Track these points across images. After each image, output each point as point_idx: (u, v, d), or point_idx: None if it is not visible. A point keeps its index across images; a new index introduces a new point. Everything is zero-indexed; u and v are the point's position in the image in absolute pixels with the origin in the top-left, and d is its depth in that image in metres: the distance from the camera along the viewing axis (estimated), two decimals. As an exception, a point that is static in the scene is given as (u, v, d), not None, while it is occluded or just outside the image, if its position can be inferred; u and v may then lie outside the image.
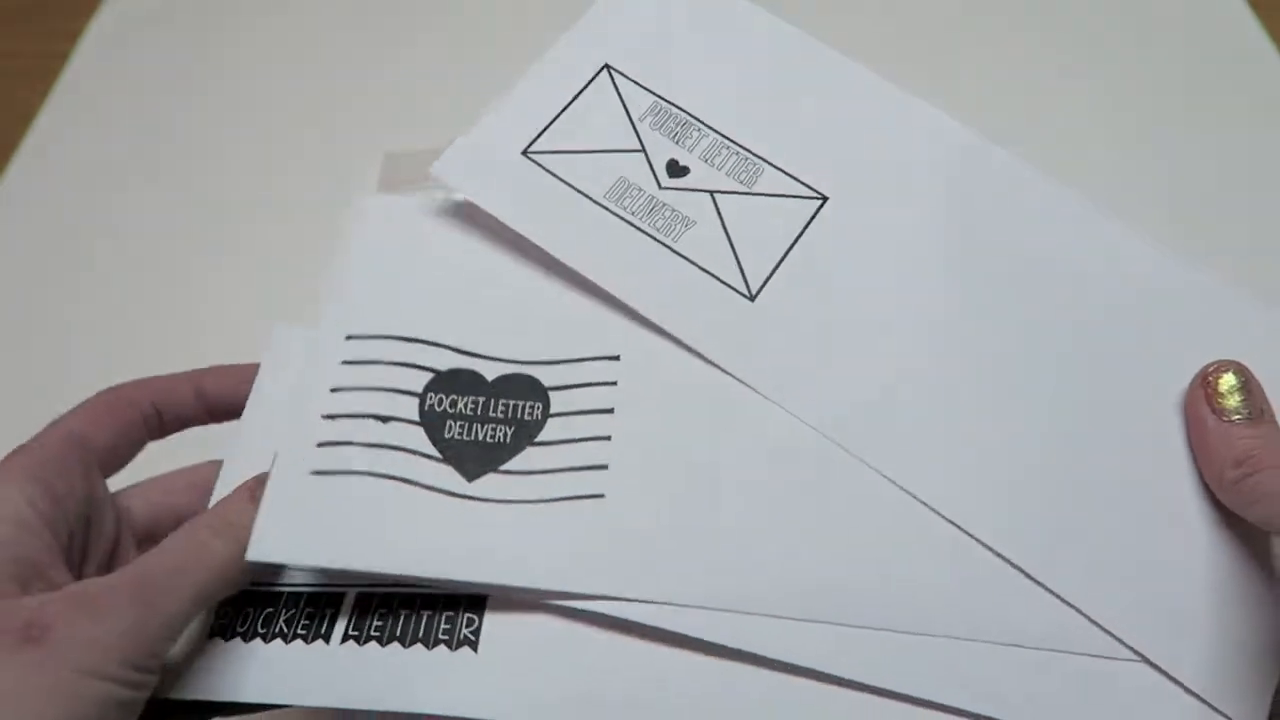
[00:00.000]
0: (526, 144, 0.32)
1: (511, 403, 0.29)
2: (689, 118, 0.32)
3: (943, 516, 0.28)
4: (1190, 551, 0.28)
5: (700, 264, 0.30)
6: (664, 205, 0.31)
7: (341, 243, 0.32)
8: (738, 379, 0.29)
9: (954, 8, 0.69)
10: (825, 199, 0.31)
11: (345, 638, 0.27)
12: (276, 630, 0.28)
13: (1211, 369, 0.29)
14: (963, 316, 0.30)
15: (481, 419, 0.28)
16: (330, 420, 0.28)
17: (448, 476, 0.27)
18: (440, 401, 0.29)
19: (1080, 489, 0.29)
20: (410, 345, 0.29)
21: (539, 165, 0.31)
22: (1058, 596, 0.27)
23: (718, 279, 0.30)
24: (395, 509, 0.27)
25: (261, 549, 0.26)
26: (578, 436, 0.28)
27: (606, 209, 0.31)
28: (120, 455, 0.30)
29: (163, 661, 0.26)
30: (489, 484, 0.27)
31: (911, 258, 0.31)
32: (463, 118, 0.64)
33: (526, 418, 0.28)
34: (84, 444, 0.29)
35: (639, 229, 0.30)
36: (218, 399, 0.32)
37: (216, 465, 0.31)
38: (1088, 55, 0.66)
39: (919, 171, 0.32)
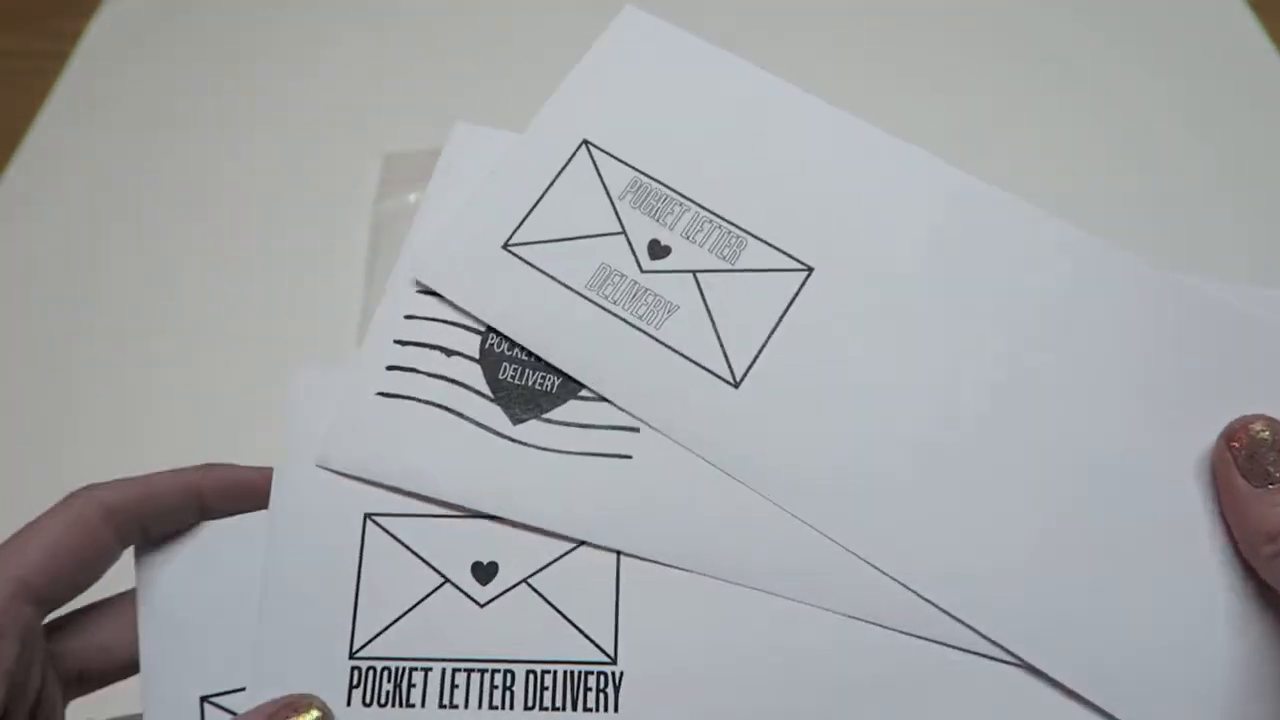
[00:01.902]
0: (506, 237, 0.31)
1: None
2: (669, 192, 0.31)
3: (938, 607, 0.27)
4: (1215, 625, 0.26)
5: (683, 352, 0.30)
6: (646, 291, 0.30)
7: (436, 174, 0.32)
8: (720, 469, 0.28)
9: (953, 7, 0.69)
10: (810, 270, 0.30)
11: None
12: None
13: (1237, 426, 0.26)
14: (959, 384, 0.29)
15: (534, 365, 0.30)
16: (401, 346, 0.30)
17: (496, 416, 0.29)
18: (499, 343, 0.30)
19: (1094, 570, 0.27)
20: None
21: (519, 258, 0.31)
22: (1069, 692, 0.26)
23: (701, 367, 0.29)
24: (447, 439, 0.29)
25: (329, 459, 0.29)
26: None
27: (588, 299, 0.30)
28: (80, 586, 0.27)
29: None
30: (531, 429, 0.29)
31: (904, 323, 0.30)
32: (463, 118, 0.63)
33: None
34: (30, 595, 0.25)
35: (620, 318, 0.30)
36: (218, 505, 0.28)
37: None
38: (1088, 56, 0.64)
39: (908, 225, 0.31)
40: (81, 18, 0.69)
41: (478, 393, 0.30)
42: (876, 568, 0.27)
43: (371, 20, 0.68)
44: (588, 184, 0.32)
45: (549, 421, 0.30)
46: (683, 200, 0.31)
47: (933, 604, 0.27)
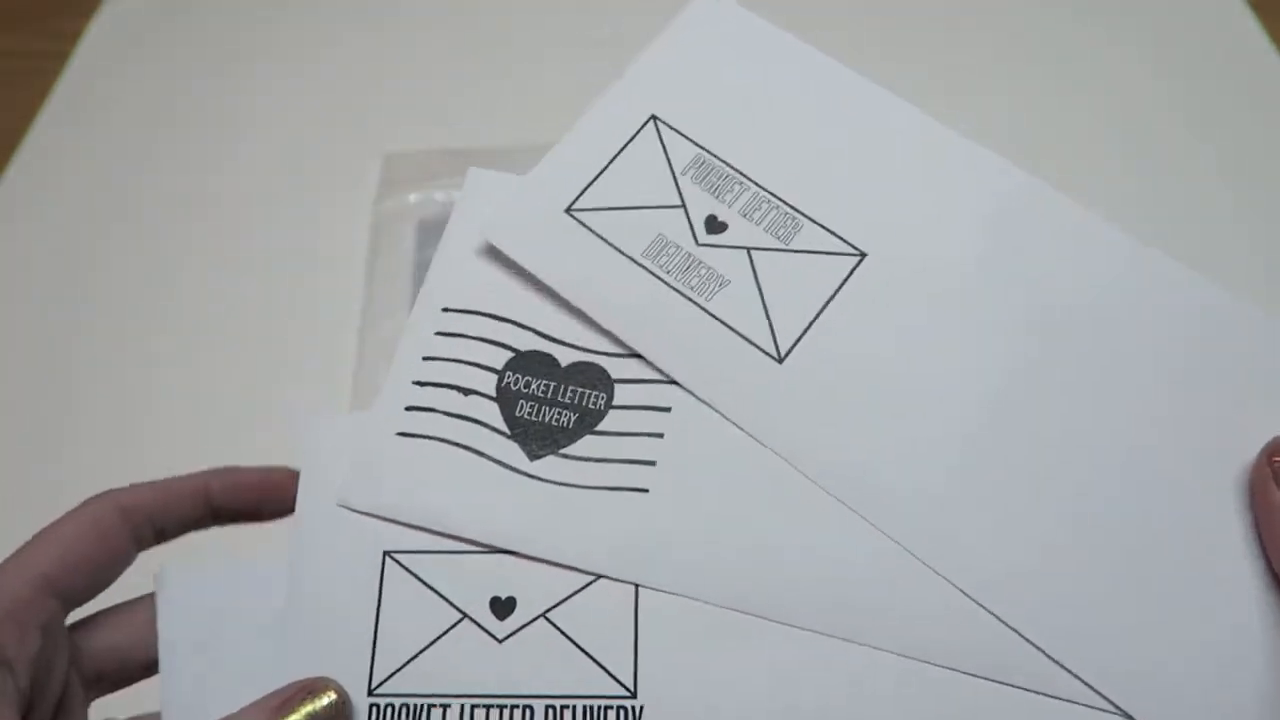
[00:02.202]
0: (570, 201, 0.32)
1: (579, 390, 0.30)
2: (730, 170, 0.32)
3: (976, 602, 0.27)
4: (1246, 641, 0.26)
5: (731, 325, 0.30)
6: (700, 263, 0.31)
7: (454, 215, 0.33)
8: (762, 443, 0.29)
9: (951, 7, 0.69)
10: (864, 255, 0.30)
11: None
12: None
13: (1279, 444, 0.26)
14: (1000, 382, 0.29)
15: (551, 402, 0.30)
16: (419, 387, 0.30)
17: (513, 453, 0.29)
18: (516, 381, 0.30)
19: (1123, 576, 0.27)
20: (497, 323, 0.31)
21: (580, 223, 0.31)
22: (1105, 699, 0.26)
23: (747, 340, 0.30)
24: (466, 477, 0.29)
25: (350, 499, 0.29)
26: (633, 431, 0.30)
27: (643, 267, 0.31)
28: (98, 586, 0.28)
29: None
30: (548, 465, 0.29)
31: (950, 316, 0.30)
32: (463, 118, 0.63)
33: (591, 406, 0.30)
34: (57, 591, 0.26)
35: (673, 288, 0.30)
36: (225, 504, 0.30)
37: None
38: (1087, 55, 0.64)
39: (963, 221, 0.31)
40: (81, 18, 0.69)
41: (495, 430, 0.30)
42: (901, 544, 0.27)
43: (371, 20, 0.68)
44: (652, 158, 0.32)
45: (566, 457, 0.30)
46: (743, 179, 0.32)
47: (961, 590, 0.27)
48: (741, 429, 0.29)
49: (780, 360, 0.29)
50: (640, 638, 0.28)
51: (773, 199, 0.31)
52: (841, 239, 0.31)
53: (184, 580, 0.29)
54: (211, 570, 0.29)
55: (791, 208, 0.31)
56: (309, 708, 0.26)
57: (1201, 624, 0.26)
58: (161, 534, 0.29)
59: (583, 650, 0.28)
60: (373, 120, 0.62)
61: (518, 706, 0.28)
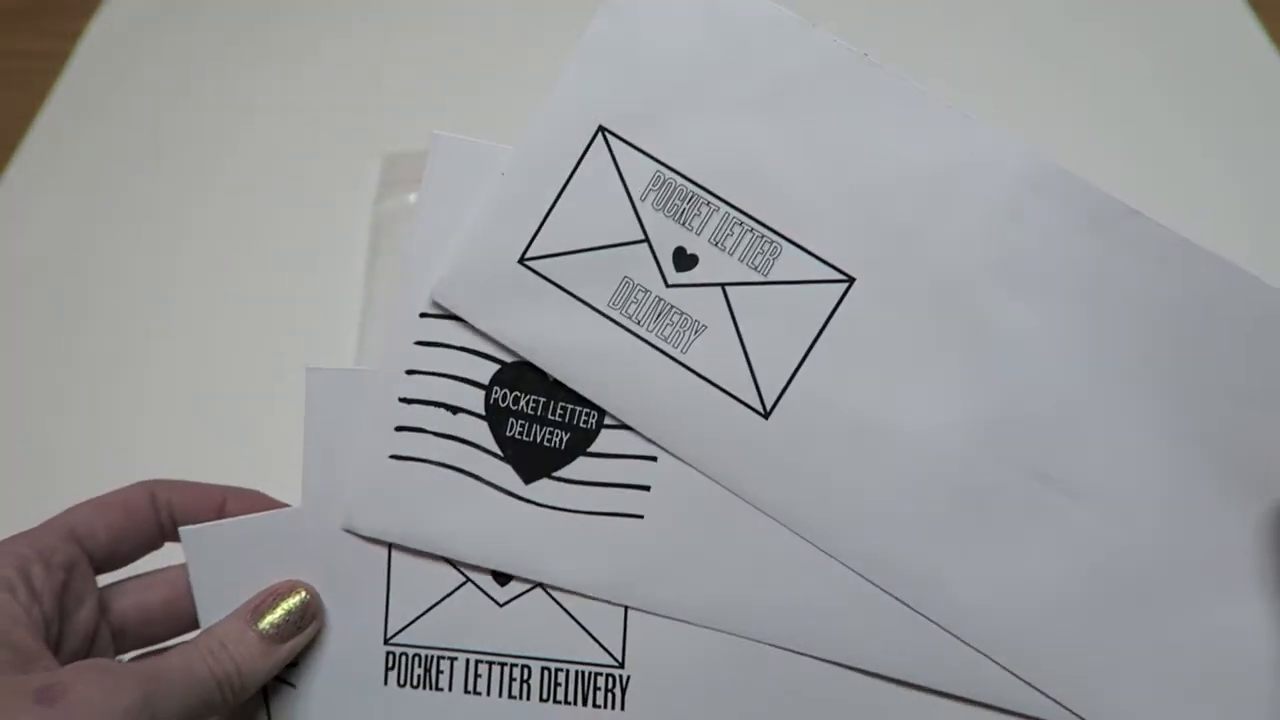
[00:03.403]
0: (522, 250, 0.28)
1: (570, 407, 0.30)
2: (695, 189, 0.28)
3: (976, 649, 0.27)
4: (1259, 679, 0.26)
5: (711, 378, 0.28)
6: (672, 308, 0.28)
7: (420, 200, 0.29)
8: (754, 505, 0.28)
9: (949, 7, 0.69)
10: (851, 280, 0.27)
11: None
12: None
13: None
14: (1017, 415, 0.26)
15: (541, 420, 0.30)
16: (407, 405, 0.30)
17: (508, 476, 0.30)
18: (504, 397, 0.30)
19: (1134, 617, 0.26)
20: (478, 331, 0.30)
21: (536, 273, 0.28)
22: None
23: (729, 394, 0.28)
24: (462, 502, 0.30)
25: (354, 525, 0.30)
26: (626, 453, 0.29)
27: (610, 319, 0.28)
28: (122, 558, 0.31)
29: None
30: (544, 488, 0.30)
31: (956, 343, 0.27)
32: (463, 119, 0.63)
33: (582, 425, 0.30)
34: (81, 543, 0.29)
35: (645, 341, 0.28)
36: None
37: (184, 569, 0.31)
38: (1087, 55, 0.64)
39: (969, 224, 0.27)
40: (81, 18, 0.69)
41: (487, 451, 0.30)
42: (905, 604, 0.27)
43: (372, 20, 0.68)
44: (606, 182, 0.28)
45: (560, 480, 0.30)
46: (710, 198, 0.28)
47: (970, 645, 0.27)
48: (729, 490, 0.28)
49: (766, 415, 0.28)
50: (630, 614, 0.30)
51: (745, 220, 0.28)
52: (826, 263, 0.27)
53: (207, 537, 0.30)
54: (231, 526, 0.31)
55: (767, 229, 0.28)
56: (284, 605, 0.29)
57: (1209, 657, 0.26)
58: (175, 524, 0.31)
59: (576, 621, 0.30)
60: (373, 120, 0.62)
61: (517, 665, 0.30)
